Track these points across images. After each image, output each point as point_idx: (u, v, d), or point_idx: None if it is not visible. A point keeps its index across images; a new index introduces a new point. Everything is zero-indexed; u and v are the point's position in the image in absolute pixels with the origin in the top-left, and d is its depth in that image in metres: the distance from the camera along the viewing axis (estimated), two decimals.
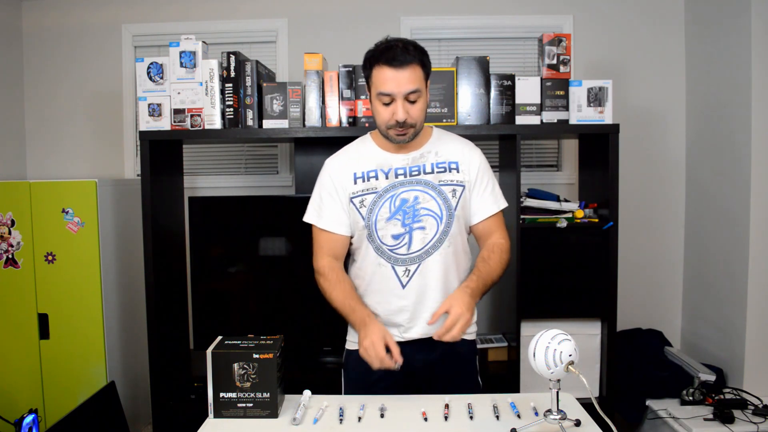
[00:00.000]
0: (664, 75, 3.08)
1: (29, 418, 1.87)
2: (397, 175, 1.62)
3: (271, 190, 3.11)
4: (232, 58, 2.35)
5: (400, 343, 1.61)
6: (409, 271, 1.60)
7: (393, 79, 1.50)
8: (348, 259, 1.74)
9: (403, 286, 1.61)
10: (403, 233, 1.59)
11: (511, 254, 1.71)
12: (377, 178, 1.62)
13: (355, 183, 1.63)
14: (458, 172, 1.64)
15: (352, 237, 1.67)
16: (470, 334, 1.72)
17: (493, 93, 2.37)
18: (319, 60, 2.35)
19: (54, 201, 2.57)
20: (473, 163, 1.66)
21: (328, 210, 1.64)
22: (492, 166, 3.18)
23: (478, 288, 1.56)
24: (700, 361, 2.78)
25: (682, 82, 3.07)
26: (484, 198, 1.67)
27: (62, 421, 2.08)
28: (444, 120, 2.34)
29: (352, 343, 1.69)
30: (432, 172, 1.62)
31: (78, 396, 2.56)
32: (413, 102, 1.53)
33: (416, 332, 1.63)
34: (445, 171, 1.63)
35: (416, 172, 1.62)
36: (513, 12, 3.09)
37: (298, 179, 2.76)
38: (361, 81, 2.34)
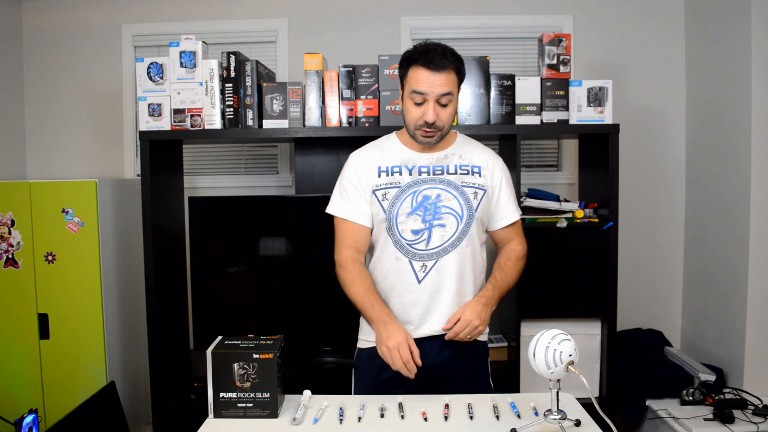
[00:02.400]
0: (664, 75, 3.08)
1: (29, 418, 1.87)
2: (420, 173, 1.65)
3: (271, 190, 3.11)
4: (232, 58, 2.35)
5: None
6: (426, 266, 1.62)
7: (427, 80, 1.54)
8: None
9: (419, 281, 1.62)
10: (423, 229, 1.61)
11: (527, 259, 1.75)
12: (401, 174, 1.65)
13: (379, 176, 1.65)
14: (480, 176, 1.67)
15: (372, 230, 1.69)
16: (484, 335, 1.73)
17: (493, 93, 2.37)
18: (319, 60, 2.35)
19: (54, 201, 2.57)
20: (496, 171, 1.70)
21: (352, 201, 1.66)
22: None
23: (493, 297, 1.61)
24: (700, 361, 2.78)
25: (682, 82, 3.07)
26: (508, 205, 1.72)
27: (62, 421, 2.08)
28: None
29: (364, 341, 1.71)
30: (455, 173, 1.65)
31: (78, 396, 2.56)
32: (444, 105, 1.57)
33: (428, 329, 1.64)
34: (468, 174, 1.66)
35: (440, 172, 1.65)
36: (513, 12, 3.09)
37: (298, 179, 2.76)
38: (362, 81, 2.35)
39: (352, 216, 1.65)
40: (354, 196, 1.66)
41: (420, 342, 1.63)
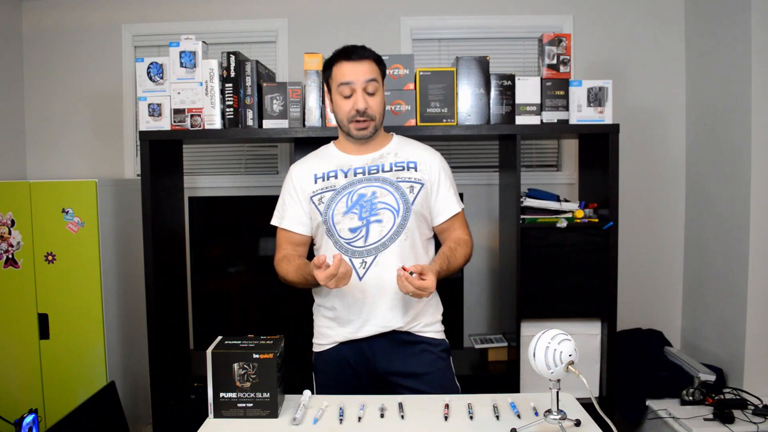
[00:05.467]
0: (664, 75, 3.08)
1: (29, 418, 1.87)
2: (356, 174, 1.69)
3: (271, 190, 3.09)
4: (232, 58, 2.35)
5: (357, 341, 1.67)
6: (366, 263, 1.64)
7: (351, 70, 1.63)
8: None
9: (360, 278, 1.64)
10: (360, 226, 1.64)
11: (473, 250, 1.76)
12: (336, 177, 1.70)
13: (315, 182, 1.71)
14: (416, 171, 1.70)
15: (313, 239, 1.74)
16: (437, 333, 1.73)
17: (493, 93, 2.37)
18: (319, 60, 2.35)
19: (54, 201, 2.57)
20: (434, 165, 1.73)
21: (290, 211, 1.73)
22: (492, 166, 3.20)
23: (442, 270, 1.60)
24: (700, 361, 2.78)
25: (682, 82, 3.07)
26: (448, 198, 1.73)
27: (62, 421, 2.08)
28: (444, 120, 2.34)
29: (318, 345, 1.75)
30: (390, 171, 1.69)
31: (78, 396, 2.56)
32: (372, 94, 1.64)
33: (374, 326, 1.66)
34: (403, 169, 1.70)
35: (375, 171, 1.69)
36: (513, 12, 3.09)
37: None
38: None
39: (289, 225, 1.72)
40: (291, 206, 1.72)
41: (367, 341, 1.67)
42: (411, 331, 1.68)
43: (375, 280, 1.63)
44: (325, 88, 1.74)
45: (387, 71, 2.30)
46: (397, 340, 1.67)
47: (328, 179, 1.70)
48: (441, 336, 1.74)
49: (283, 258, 1.70)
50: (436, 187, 1.71)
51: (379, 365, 1.67)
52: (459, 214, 1.75)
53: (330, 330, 1.71)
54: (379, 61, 1.68)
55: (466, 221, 1.79)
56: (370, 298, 1.64)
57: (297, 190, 1.72)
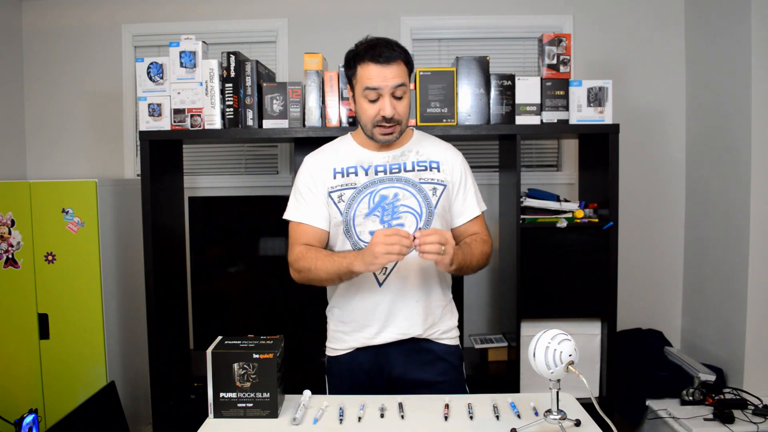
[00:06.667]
0: (664, 75, 3.08)
1: (29, 418, 1.87)
2: (377, 172, 1.61)
3: (271, 190, 3.11)
4: (232, 58, 2.35)
5: (375, 347, 1.63)
6: (386, 268, 1.59)
7: (379, 75, 1.51)
8: None
9: (380, 284, 1.59)
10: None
11: (492, 251, 1.70)
12: (357, 174, 1.61)
13: (334, 178, 1.61)
14: (439, 171, 1.64)
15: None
16: (452, 339, 1.70)
17: (493, 93, 2.37)
18: (319, 60, 2.35)
19: (54, 201, 2.57)
20: (456, 165, 1.67)
21: (307, 204, 1.62)
22: (492, 166, 3.20)
23: (457, 256, 1.50)
24: (700, 361, 2.78)
25: (682, 82, 3.08)
26: (468, 200, 1.68)
27: (62, 421, 2.08)
28: (444, 120, 2.34)
29: (332, 350, 1.70)
30: (412, 170, 1.62)
31: (78, 396, 2.56)
32: (399, 98, 1.55)
33: (392, 333, 1.62)
34: (425, 170, 1.63)
35: (396, 170, 1.62)
36: (513, 12, 3.09)
37: None
38: None
39: (307, 219, 1.62)
40: (309, 198, 1.62)
41: (383, 348, 1.63)
42: (429, 338, 1.65)
43: (395, 286, 1.58)
44: (347, 85, 1.62)
45: None
46: (414, 347, 1.63)
47: (347, 175, 1.61)
48: (456, 342, 1.71)
49: (307, 249, 1.58)
50: (457, 187, 1.66)
51: (394, 372, 1.64)
52: (479, 217, 1.69)
53: (345, 335, 1.66)
54: (407, 60, 1.56)
55: (485, 222, 1.73)
56: (390, 305, 1.60)
57: (316, 182, 1.62)
